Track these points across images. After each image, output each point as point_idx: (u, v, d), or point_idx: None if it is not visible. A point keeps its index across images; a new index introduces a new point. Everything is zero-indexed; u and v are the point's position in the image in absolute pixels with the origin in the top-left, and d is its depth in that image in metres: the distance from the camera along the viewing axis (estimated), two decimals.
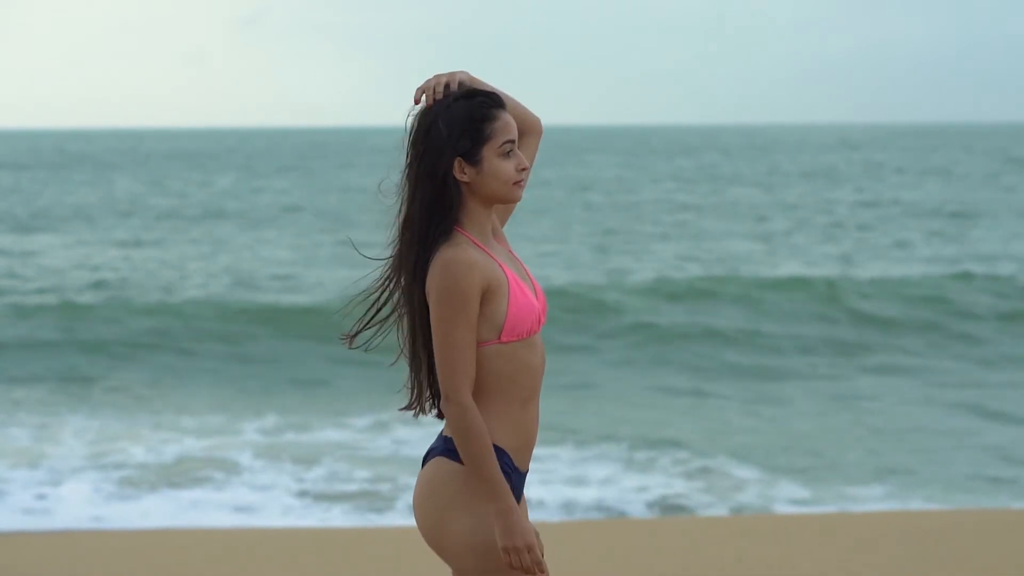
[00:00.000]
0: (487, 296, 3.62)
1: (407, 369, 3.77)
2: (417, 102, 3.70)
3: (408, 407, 3.79)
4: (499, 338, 3.64)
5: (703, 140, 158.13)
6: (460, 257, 3.59)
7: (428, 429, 13.59)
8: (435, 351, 3.61)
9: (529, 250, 32.38)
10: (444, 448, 3.68)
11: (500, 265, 3.67)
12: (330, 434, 13.89)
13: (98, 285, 26.15)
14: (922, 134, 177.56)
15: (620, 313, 22.17)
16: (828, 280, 24.88)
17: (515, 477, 3.69)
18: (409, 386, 3.77)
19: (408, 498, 10.88)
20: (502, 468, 3.65)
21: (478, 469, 3.57)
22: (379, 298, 3.76)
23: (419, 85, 3.72)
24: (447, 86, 3.70)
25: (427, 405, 3.78)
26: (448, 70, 3.72)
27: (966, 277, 25.62)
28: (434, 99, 3.68)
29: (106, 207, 49.01)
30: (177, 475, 12.03)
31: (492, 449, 3.58)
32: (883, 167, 79.42)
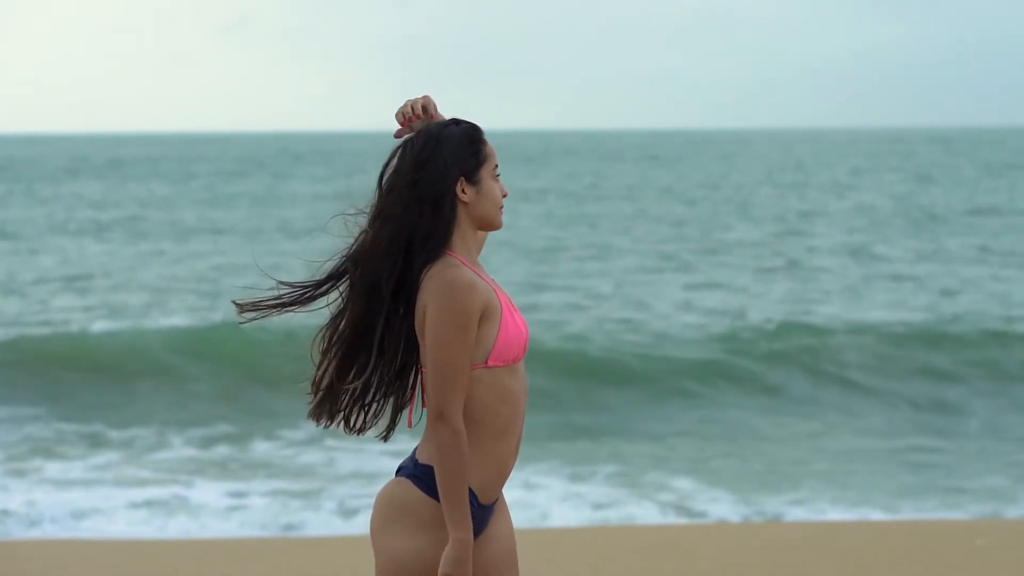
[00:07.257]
0: (481, 319, 3.65)
1: (381, 395, 3.78)
2: (401, 124, 3.79)
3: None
4: (485, 362, 3.67)
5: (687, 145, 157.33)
6: (462, 278, 3.62)
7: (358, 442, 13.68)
8: (431, 371, 3.62)
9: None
10: (412, 472, 3.72)
11: (494, 288, 3.71)
12: (262, 447, 14.02)
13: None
14: (900, 139, 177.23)
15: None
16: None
17: (478, 512, 3.71)
18: (387, 409, 3.80)
19: (332, 505, 11.29)
20: None
21: (450, 495, 3.60)
22: (337, 324, 3.76)
23: (396, 111, 3.80)
24: (424, 108, 3.78)
25: (355, 420, 3.81)
26: (417, 93, 3.81)
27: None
28: (414, 118, 3.78)
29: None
30: (106, 483, 12.21)
31: (467, 480, 3.61)
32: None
